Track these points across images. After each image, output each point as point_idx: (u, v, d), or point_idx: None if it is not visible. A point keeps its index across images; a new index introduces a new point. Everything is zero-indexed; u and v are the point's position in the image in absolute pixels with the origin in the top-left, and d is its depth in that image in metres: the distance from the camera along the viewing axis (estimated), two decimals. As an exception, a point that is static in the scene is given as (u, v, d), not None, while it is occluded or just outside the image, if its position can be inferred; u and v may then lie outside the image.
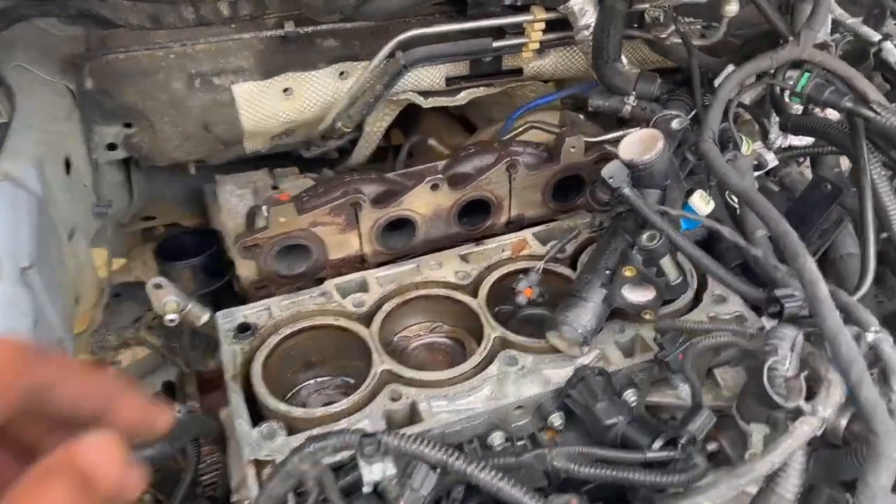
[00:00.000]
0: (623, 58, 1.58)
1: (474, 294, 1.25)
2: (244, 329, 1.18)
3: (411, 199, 1.28)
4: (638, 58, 1.81)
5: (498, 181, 1.34)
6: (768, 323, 1.03)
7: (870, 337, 0.92)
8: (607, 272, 1.13)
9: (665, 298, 1.13)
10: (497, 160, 1.32)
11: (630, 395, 1.13)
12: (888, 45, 1.35)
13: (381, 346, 1.20)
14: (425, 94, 1.73)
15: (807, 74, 1.12)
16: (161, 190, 1.94)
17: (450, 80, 1.72)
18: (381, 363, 1.12)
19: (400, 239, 1.37)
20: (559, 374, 1.12)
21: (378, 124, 1.82)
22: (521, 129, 1.56)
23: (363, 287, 1.27)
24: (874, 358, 0.93)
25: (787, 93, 1.22)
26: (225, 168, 1.86)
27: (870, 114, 1.07)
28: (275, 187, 2.01)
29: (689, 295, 1.21)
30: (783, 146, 1.38)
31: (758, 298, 1.06)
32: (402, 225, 1.35)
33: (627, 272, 1.09)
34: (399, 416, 1.08)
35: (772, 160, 1.35)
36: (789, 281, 1.06)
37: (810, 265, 0.95)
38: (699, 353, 1.05)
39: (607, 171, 1.12)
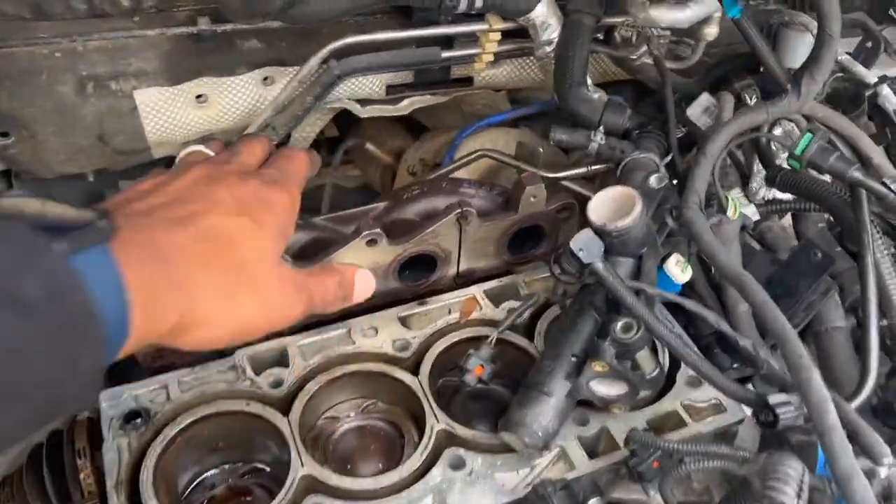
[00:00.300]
0: (587, 77, 1.40)
1: (415, 370, 1.07)
2: (134, 416, 0.97)
3: (343, 256, 1.08)
4: (598, 70, 1.64)
5: (447, 234, 1.15)
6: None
7: (883, 472, 0.79)
8: (573, 359, 0.96)
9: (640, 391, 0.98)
10: (447, 210, 1.12)
11: (594, 504, 0.98)
12: (885, 90, 1.21)
13: (303, 432, 1.01)
14: (363, 101, 1.53)
15: (808, 136, 0.96)
16: (53, 198, 1.67)
17: (391, 89, 1.52)
18: (301, 467, 0.93)
19: None
20: (514, 479, 0.95)
21: (307, 130, 1.60)
22: (470, 157, 1.37)
23: (282, 360, 1.07)
24: (887, 494, 0.80)
25: (775, 146, 1.07)
26: (135, 171, 1.63)
27: (883, 190, 0.93)
28: (188, 197, 1.79)
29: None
30: (766, 198, 1.23)
31: (751, 401, 0.91)
32: None
33: (597, 367, 0.92)
34: (323, 533, 0.90)
35: (753, 214, 1.21)
36: (781, 378, 0.91)
37: (817, 383, 0.80)
38: (680, 479, 0.90)
39: (578, 242, 0.94)
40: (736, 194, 1.26)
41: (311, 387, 1.03)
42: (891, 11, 1.62)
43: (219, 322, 0.72)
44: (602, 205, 1.00)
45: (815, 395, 0.79)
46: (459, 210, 1.12)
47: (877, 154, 1.00)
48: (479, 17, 1.42)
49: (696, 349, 0.92)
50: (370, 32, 1.36)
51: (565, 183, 1.39)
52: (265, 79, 1.46)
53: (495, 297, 1.18)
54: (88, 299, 0.55)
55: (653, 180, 1.03)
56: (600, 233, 0.98)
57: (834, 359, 1.14)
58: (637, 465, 0.94)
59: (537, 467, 0.97)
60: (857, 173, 0.94)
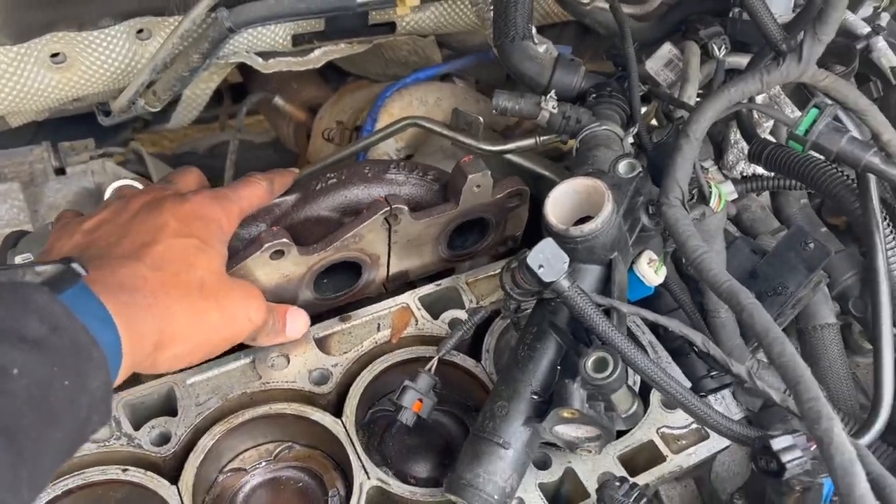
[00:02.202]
0: (532, 26, 1.19)
1: (338, 408, 0.88)
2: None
3: (247, 270, 0.87)
4: (537, 10, 1.43)
5: (372, 236, 0.94)
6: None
7: None
8: (533, 398, 0.78)
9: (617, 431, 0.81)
10: (371, 209, 0.91)
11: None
12: (880, 42, 1.04)
13: (200, 492, 0.82)
14: (266, 54, 1.29)
15: (814, 111, 0.78)
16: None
17: (298, 39, 1.29)
18: (194, 553, 0.74)
19: None
20: None
21: (201, 87, 1.38)
22: (396, 126, 1.15)
23: (169, 406, 0.86)
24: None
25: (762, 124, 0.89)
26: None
27: None
28: (60, 170, 1.52)
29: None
30: (744, 173, 1.06)
31: (752, 443, 0.76)
32: None
33: (565, 414, 0.74)
34: None
35: (730, 194, 1.04)
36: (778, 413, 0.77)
37: (841, 438, 0.64)
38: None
39: (536, 257, 0.75)
40: (709, 167, 1.09)
41: (206, 442, 0.83)
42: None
43: (190, 337, 0.77)
44: (562, 201, 0.82)
45: (840, 454, 0.64)
46: (387, 209, 0.91)
47: (889, 131, 0.84)
48: (402, -48, 1.19)
49: (683, 385, 0.76)
50: (266, -24, 1.12)
51: (511, 157, 1.19)
52: (139, 32, 1.20)
53: (433, 306, 0.99)
54: (84, 327, 0.62)
55: (622, 167, 0.84)
56: (561, 238, 0.79)
57: (823, 360, 1.01)
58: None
59: None
60: (875, 159, 0.77)
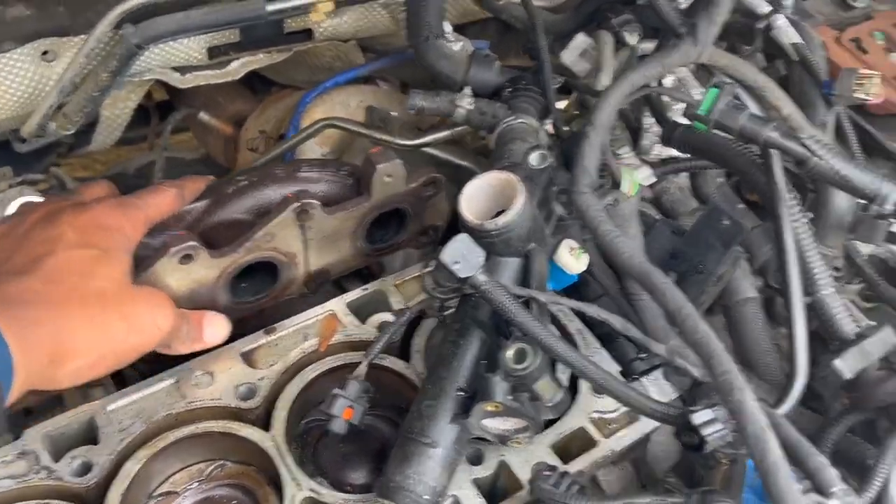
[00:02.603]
0: (446, 24, 1.19)
1: (267, 423, 0.86)
2: None
3: (156, 277, 0.85)
4: (455, 9, 1.43)
5: (285, 234, 0.93)
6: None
7: None
8: (459, 395, 0.78)
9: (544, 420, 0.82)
10: (280, 206, 0.90)
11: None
12: (780, 20, 1.06)
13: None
14: (182, 69, 1.26)
15: (714, 91, 0.79)
16: None
17: (214, 51, 1.27)
18: (123, 580, 0.72)
19: None
20: None
21: (120, 106, 1.33)
22: (312, 128, 1.14)
23: (90, 435, 0.83)
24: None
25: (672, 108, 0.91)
26: None
27: (802, 152, 0.79)
28: (-32, 201, 1.47)
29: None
30: (660, 156, 1.07)
31: (674, 420, 0.77)
32: None
33: (489, 408, 0.74)
34: None
35: (647, 178, 1.05)
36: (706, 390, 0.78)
37: (752, 407, 0.66)
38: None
39: (451, 254, 0.75)
40: (626, 153, 1.10)
41: (131, 467, 0.80)
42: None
43: (92, 350, 0.75)
44: (477, 196, 0.82)
45: (752, 423, 0.66)
46: (297, 204, 0.90)
47: (788, 105, 0.86)
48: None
49: (603, 369, 0.76)
50: (171, -14, 1.10)
51: (432, 151, 1.19)
52: (44, 54, 1.17)
53: (361, 310, 0.99)
54: None
55: (533, 158, 0.85)
56: (477, 233, 0.79)
57: (747, 333, 1.03)
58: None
59: None
60: (773, 133, 0.79)
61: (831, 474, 0.69)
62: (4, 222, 0.84)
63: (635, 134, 1.12)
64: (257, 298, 0.99)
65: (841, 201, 1.01)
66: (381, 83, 1.51)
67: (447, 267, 0.74)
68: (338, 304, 0.98)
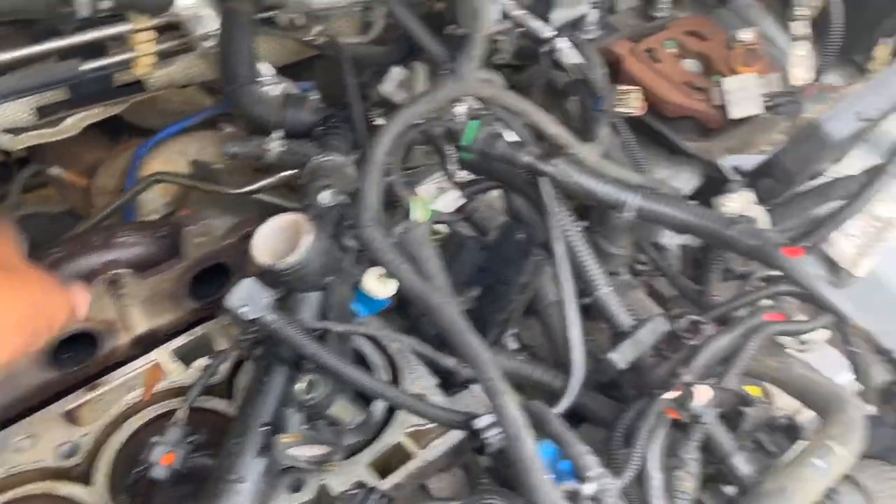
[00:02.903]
0: (266, 66, 1.23)
1: (89, 477, 0.89)
2: None
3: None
4: (290, 49, 1.47)
5: (99, 304, 0.96)
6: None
7: (589, 490, 0.74)
8: (264, 430, 0.82)
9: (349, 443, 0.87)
10: (89, 278, 0.93)
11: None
12: (562, 43, 1.15)
13: None
14: (14, 130, 1.24)
15: (473, 124, 0.86)
16: None
17: (44, 110, 1.26)
18: None
19: None
20: None
21: None
22: (140, 186, 1.17)
23: None
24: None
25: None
26: None
27: (551, 171, 0.86)
28: None
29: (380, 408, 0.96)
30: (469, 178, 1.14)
31: (461, 426, 0.84)
32: None
33: (287, 439, 0.79)
34: None
35: (457, 200, 1.12)
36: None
37: (512, 410, 0.73)
38: None
39: (235, 299, 0.79)
40: (439, 178, 1.16)
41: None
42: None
43: None
44: (269, 239, 0.86)
45: (511, 425, 0.73)
46: (104, 276, 0.93)
47: (551, 125, 0.94)
48: (120, 18, 1.20)
49: (392, 387, 0.82)
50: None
51: (260, 196, 1.23)
52: None
53: (188, 356, 1.01)
54: None
55: (323, 197, 0.90)
56: (271, 274, 0.84)
57: (555, 335, 1.10)
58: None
59: None
60: (526, 157, 0.86)
61: (589, 461, 0.76)
62: None
63: (444, 157, 1.19)
64: (81, 368, 0.99)
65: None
66: (225, 126, 1.53)
67: (233, 311, 0.79)
68: (162, 354, 1.01)
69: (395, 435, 0.95)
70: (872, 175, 0.99)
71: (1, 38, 1.14)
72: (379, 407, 0.93)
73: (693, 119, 1.38)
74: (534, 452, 0.71)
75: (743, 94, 1.32)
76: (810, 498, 0.88)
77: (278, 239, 0.87)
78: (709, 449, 0.93)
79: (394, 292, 0.98)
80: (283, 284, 0.85)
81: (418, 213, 0.94)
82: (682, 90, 1.37)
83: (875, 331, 1.37)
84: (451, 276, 1.09)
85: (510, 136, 0.98)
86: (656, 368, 0.91)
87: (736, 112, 1.33)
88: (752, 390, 1.02)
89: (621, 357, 0.90)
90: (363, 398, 0.90)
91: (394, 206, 0.96)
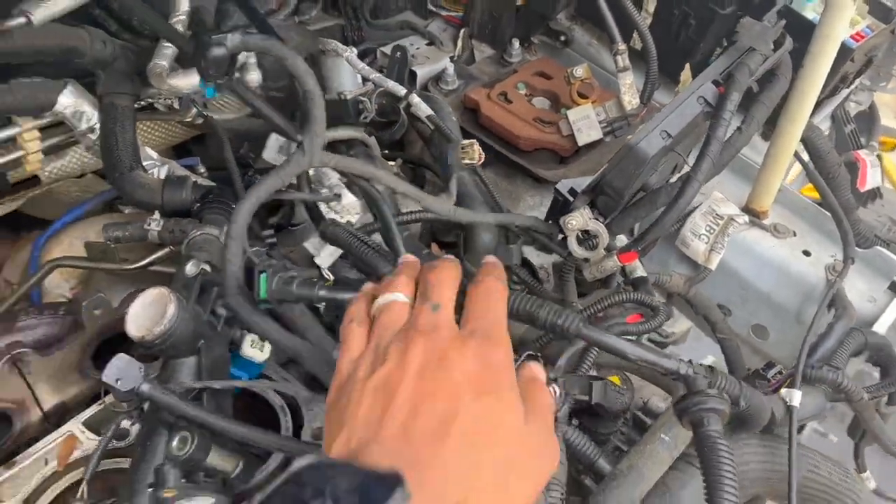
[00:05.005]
0: (149, 151, 1.30)
1: (10, 552, 0.93)
2: None
3: None
4: (173, 132, 1.51)
5: (5, 384, 1.00)
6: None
7: None
8: (150, 491, 0.86)
9: (237, 487, 0.92)
10: (-6, 360, 0.97)
11: None
12: (415, 99, 1.24)
13: None
14: None
15: (263, 277, 0.86)
16: None
17: None
18: None
19: None
20: None
21: None
22: (40, 274, 1.21)
23: None
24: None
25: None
26: None
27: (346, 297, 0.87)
28: None
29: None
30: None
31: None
32: None
33: (167, 494, 0.84)
34: None
35: (333, 253, 1.19)
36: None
37: None
38: None
39: (111, 373, 0.84)
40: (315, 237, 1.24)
41: None
42: (429, 6, 1.69)
43: None
44: (141, 313, 0.90)
45: None
46: (7, 356, 0.98)
47: (401, 184, 1.02)
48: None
49: (272, 434, 0.88)
50: None
51: (157, 268, 1.29)
52: None
53: (101, 424, 1.05)
54: None
55: (188, 268, 0.96)
56: (145, 345, 0.89)
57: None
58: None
59: None
60: (321, 292, 0.86)
61: None
62: (373, 353, 0.67)
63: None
64: None
65: (484, 238, 1.19)
66: (125, 208, 1.57)
67: (110, 385, 0.84)
68: (74, 426, 1.04)
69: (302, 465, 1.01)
70: (682, 183, 1.08)
71: None
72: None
73: (548, 150, 1.49)
74: None
75: (585, 122, 1.42)
76: (658, 471, 0.93)
77: (148, 313, 0.90)
78: (577, 458, 0.97)
79: (268, 356, 1.03)
80: (159, 353, 0.90)
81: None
82: (534, 126, 1.47)
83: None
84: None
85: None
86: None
87: (582, 139, 1.43)
88: (613, 379, 1.10)
89: None
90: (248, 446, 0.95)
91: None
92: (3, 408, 1.00)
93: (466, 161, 1.13)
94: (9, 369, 0.98)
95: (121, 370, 0.84)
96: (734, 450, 1.00)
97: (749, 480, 1.03)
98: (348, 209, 1.15)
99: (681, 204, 1.11)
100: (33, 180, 1.36)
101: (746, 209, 1.47)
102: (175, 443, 0.83)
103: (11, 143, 1.26)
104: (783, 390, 1.08)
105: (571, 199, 1.10)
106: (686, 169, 1.13)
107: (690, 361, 0.80)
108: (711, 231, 1.45)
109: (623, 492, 0.88)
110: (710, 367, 0.84)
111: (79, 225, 1.42)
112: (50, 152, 1.32)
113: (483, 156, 1.14)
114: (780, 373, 1.15)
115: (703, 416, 0.77)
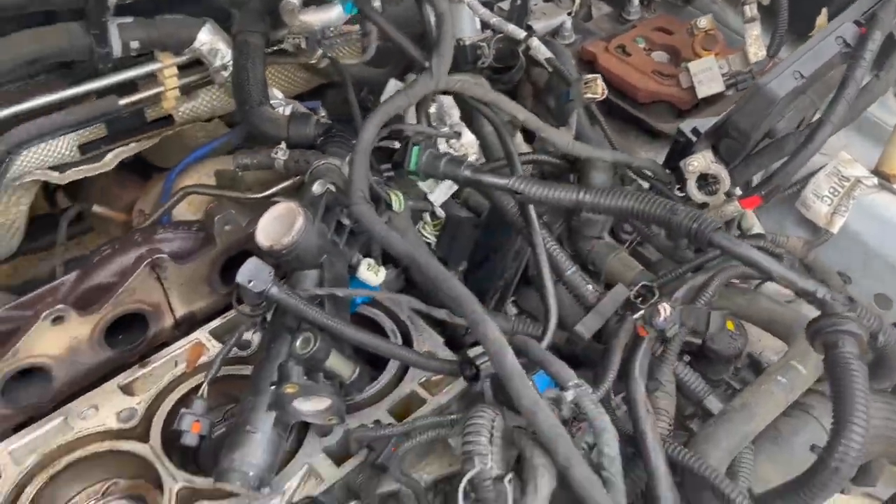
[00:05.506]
0: (276, 91, 1.35)
1: (145, 436, 0.99)
2: None
3: (31, 342, 0.97)
4: (301, 78, 1.54)
5: (145, 287, 1.06)
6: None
7: (569, 396, 0.79)
8: (273, 388, 0.89)
9: (351, 393, 0.96)
10: (136, 262, 1.04)
11: (355, 509, 0.94)
12: (535, 42, 1.24)
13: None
14: (60, 167, 1.31)
15: (416, 150, 0.94)
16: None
17: (85, 147, 1.33)
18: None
19: (34, 389, 1.03)
20: None
21: (13, 211, 1.36)
22: (174, 199, 1.28)
23: (-7, 474, 0.95)
24: (577, 413, 0.81)
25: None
26: None
27: (495, 181, 0.93)
28: None
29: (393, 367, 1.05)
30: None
31: (456, 365, 0.92)
32: (32, 371, 1.02)
33: (288, 389, 0.86)
34: None
35: (448, 188, 1.20)
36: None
37: (492, 333, 0.79)
38: (407, 458, 0.89)
39: (244, 274, 0.88)
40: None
41: (30, 491, 0.92)
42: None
43: None
44: (269, 226, 0.93)
45: (492, 345, 0.78)
46: (148, 259, 1.04)
47: (521, 112, 1.02)
48: (149, 57, 1.32)
49: (387, 342, 0.91)
50: (32, 98, 1.23)
51: (278, 199, 1.33)
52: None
53: (224, 335, 1.10)
54: None
55: (315, 187, 0.99)
56: (272, 255, 0.92)
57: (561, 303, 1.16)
58: (376, 460, 0.92)
59: (287, 493, 0.92)
60: (466, 172, 0.93)
61: (568, 373, 0.80)
62: None
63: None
64: (134, 346, 1.08)
65: (598, 177, 1.18)
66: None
67: (244, 286, 0.88)
68: (202, 334, 1.09)
69: (410, 385, 1.01)
70: (814, 127, 1.03)
71: (45, 83, 1.24)
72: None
73: (666, 103, 1.45)
74: (515, 364, 0.74)
75: (707, 75, 1.37)
76: (772, 412, 0.89)
77: (277, 225, 0.93)
78: (685, 395, 0.97)
79: (382, 279, 1.04)
80: (285, 264, 0.93)
81: (396, 205, 1.02)
82: (652, 78, 1.44)
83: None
84: (453, 253, 1.18)
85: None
86: (618, 327, 0.94)
87: (703, 91, 1.38)
88: (727, 324, 1.07)
89: (586, 328, 0.95)
90: (363, 358, 0.97)
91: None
92: (142, 309, 1.07)
93: (589, 95, 1.11)
94: (148, 273, 1.04)
95: (252, 273, 0.88)
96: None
97: (869, 437, 0.98)
98: (467, 147, 1.16)
99: (811, 148, 1.06)
100: (167, 120, 1.42)
101: (876, 172, 1.38)
102: (299, 342, 0.86)
103: (152, 81, 1.34)
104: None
105: (694, 138, 1.07)
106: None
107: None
108: (836, 193, 1.37)
109: (733, 427, 0.86)
110: (850, 297, 0.79)
111: (206, 162, 1.48)
112: (184, 92, 1.37)
113: (605, 91, 1.12)
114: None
115: (838, 338, 0.73)
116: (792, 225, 1.42)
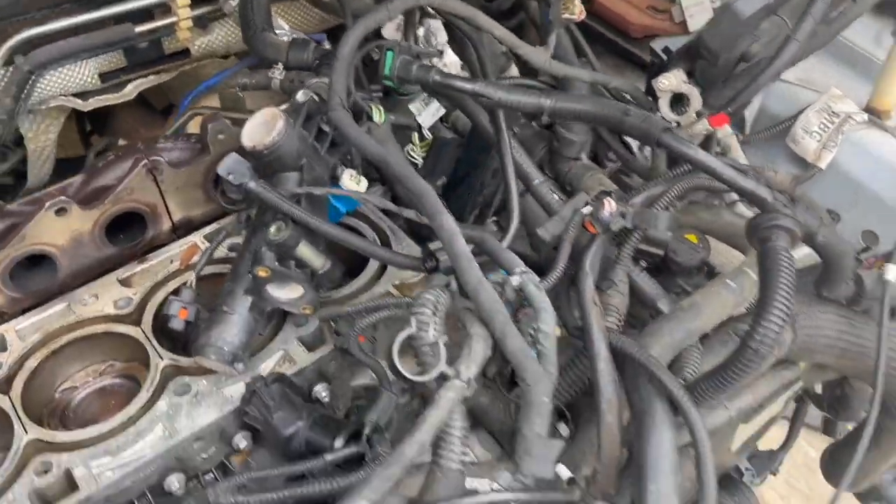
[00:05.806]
0: (281, 22, 1.41)
1: (139, 322, 1.07)
2: None
3: (36, 230, 1.05)
4: (314, 16, 1.60)
5: (142, 188, 1.13)
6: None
7: (515, 280, 0.85)
8: (250, 275, 0.95)
9: (324, 286, 1.02)
10: (133, 164, 1.12)
11: (321, 391, 1.01)
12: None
13: (38, 408, 1.00)
14: (83, 95, 1.37)
15: (390, 54, 0.98)
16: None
17: (105, 76, 1.38)
18: (26, 434, 0.93)
19: (41, 278, 1.11)
20: (241, 389, 0.96)
21: (42, 138, 1.48)
22: (183, 119, 1.36)
23: (1, 347, 1.05)
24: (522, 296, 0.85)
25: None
26: None
27: (463, 86, 0.98)
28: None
29: (373, 267, 1.12)
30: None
31: (415, 262, 0.98)
32: (40, 261, 1.10)
33: (261, 273, 0.92)
34: (54, 490, 0.90)
35: (437, 111, 1.25)
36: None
37: (447, 222, 0.84)
38: (373, 331, 0.95)
39: (224, 167, 0.94)
40: (423, 97, 1.30)
41: (32, 363, 1.01)
42: None
43: None
44: (253, 129, 0.98)
45: (445, 232, 0.83)
46: (146, 161, 1.12)
47: (497, 28, 1.05)
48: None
49: (359, 239, 0.97)
50: (53, 21, 1.31)
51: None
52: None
53: (216, 238, 1.19)
54: None
55: (299, 96, 1.05)
56: (254, 155, 0.98)
57: (534, 221, 1.19)
58: (344, 345, 0.99)
59: (261, 372, 0.99)
60: (436, 76, 0.97)
61: (517, 261, 0.86)
62: None
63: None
64: (134, 245, 1.16)
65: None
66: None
67: (224, 178, 0.95)
68: (197, 236, 1.17)
69: (384, 286, 1.08)
70: (782, 42, 1.04)
71: (64, 9, 1.30)
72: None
73: (659, 37, 1.47)
74: (463, 247, 0.79)
75: (698, 8, 1.38)
76: (719, 312, 0.91)
77: (260, 128, 0.98)
78: (639, 299, 1.00)
79: (364, 188, 1.10)
80: (267, 165, 0.98)
81: (377, 117, 1.05)
82: (647, 13, 1.46)
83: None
84: (437, 170, 1.23)
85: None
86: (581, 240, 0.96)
87: (693, 24, 1.39)
88: (691, 237, 1.10)
89: (546, 231, 0.98)
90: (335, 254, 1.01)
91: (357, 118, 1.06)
92: (139, 209, 1.14)
93: (566, 16, 1.14)
94: (145, 175, 1.11)
95: (231, 167, 0.94)
96: (810, 317, 0.98)
97: (821, 346, 1.00)
98: (450, 67, 1.20)
99: (777, 65, 1.07)
100: (184, 54, 1.46)
101: (867, 108, 1.38)
102: (272, 229, 0.92)
103: (167, 11, 1.39)
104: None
105: (665, 56, 1.09)
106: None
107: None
108: (825, 129, 1.37)
109: (678, 324, 0.89)
110: (793, 198, 0.82)
111: (216, 93, 1.55)
112: (198, 24, 1.42)
113: (584, 12, 1.14)
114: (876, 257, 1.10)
115: (772, 232, 0.76)
116: (783, 161, 1.43)
